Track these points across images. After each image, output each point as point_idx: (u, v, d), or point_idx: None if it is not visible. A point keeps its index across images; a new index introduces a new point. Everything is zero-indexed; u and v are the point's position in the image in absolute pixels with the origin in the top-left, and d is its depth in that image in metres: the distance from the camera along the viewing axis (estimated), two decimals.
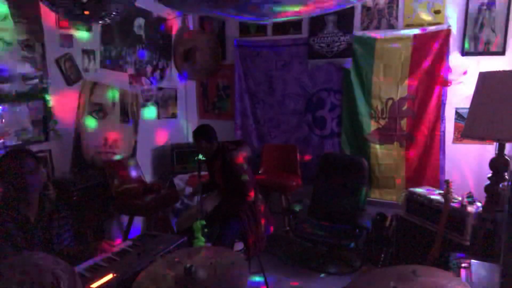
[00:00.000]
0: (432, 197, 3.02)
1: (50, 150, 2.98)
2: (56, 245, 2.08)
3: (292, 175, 4.13)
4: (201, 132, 3.08)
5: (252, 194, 2.97)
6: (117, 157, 3.63)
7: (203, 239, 2.64)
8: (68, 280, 1.01)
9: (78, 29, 3.17)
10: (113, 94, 3.59)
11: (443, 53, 3.56)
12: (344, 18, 3.92)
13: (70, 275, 1.03)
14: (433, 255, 2.72)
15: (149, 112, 4.12)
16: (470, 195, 2.89)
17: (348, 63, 3.94)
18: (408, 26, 3.69)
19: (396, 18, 3.74)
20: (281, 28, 4.26)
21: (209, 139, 3.06)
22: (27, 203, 1.99)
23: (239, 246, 3.27)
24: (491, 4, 3.39)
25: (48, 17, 2.89)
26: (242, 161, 3.04)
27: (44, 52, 2.89)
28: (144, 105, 4.01)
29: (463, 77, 3.53)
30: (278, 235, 4.00)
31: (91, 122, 3.37)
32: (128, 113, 3.78)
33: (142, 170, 3.79)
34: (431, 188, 3.29)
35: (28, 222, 1.98)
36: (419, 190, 3.21)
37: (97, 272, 1.83)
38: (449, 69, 3.56)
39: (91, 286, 1.70)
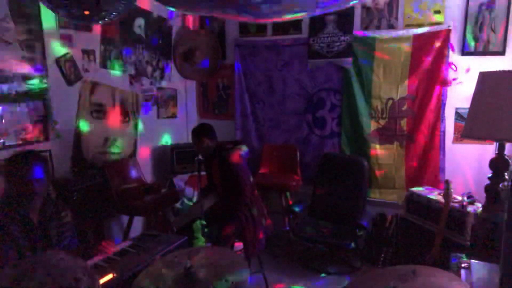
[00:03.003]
0: (432, 197, 3.02)
1: (50, 150, 2.98)
2: (55, 245, 2.08)
3: (292, 175, 4.12)
4: (204, 130, 3.07)
5: (248, 193, 2.97)
6: (117, 157, 3.63)
7: (203, 239, 2.65)
8: (87, 281, 1.01)
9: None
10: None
11: (443, 53, 3.56)
12: (344, 18, 3.92)
13: (89, 275, 1.03)
14: (433, 255, 2.72)
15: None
16: (470, 195, 2.89)
17: (348, 63, 3.94)
18: (408, 26, 3.69)
19: (396, 18, 3.74)
20: (281, 28, 4.26)
21: (212, 137, 3.06)
22: (31, 206, 2.00)
23: (239, 246, 3.27)
24: (491, 4, 3.39)
25: (48, 17, 2.90)
26: (239, 160, 3.04)
27: (44, 52, 2.89)
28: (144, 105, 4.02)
29: (463, 77, 3.53)
30: (278, 235, 4.00)
31: (91, 122, 3.37)
32: (128, 113, 3.78)
33: (142, 170, 3.79)
34: (431, 188, 3.29)
35: (31, 223, 1.98)
36: (419, 190, 3.21)
37: (97, 272, 1.83)
38: (452, 68, 3.55)
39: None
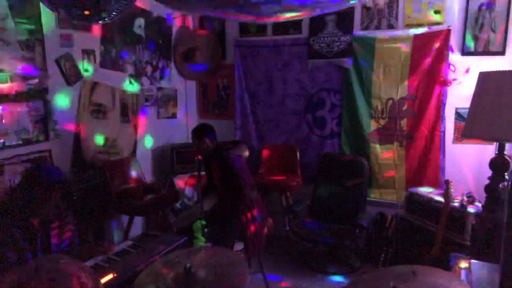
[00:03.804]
0: (432, 197, 3.02)
1: (50, 150, 2.98)
2: (56, 245, 2.08)
3: (292, 175, 4.12)
4: (205, 131, 3.07)
5: (248, 192, 2.97)
6: (116, 157, 3.63)
7: (203, 239, 2.64)
8: (91, 284, 1.01)
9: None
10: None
11: (443, 53, 3.56)
12: (344, 18, 3.92)
13: (94, 280, 1.03)
14: (433, 255, 2.72)
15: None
16: (470, 195, 2.89)
17: (348, 63, 3.94)
18: (408, 26, 3.69)
19: (396, 18, 3.74)
20: (281, 28, 4.25)
21: (213, 137, 3.06)
22: (34, 216, 2.01)
23: (239, 246, 3.27)
24: (491, 4, 3.39)
25: (48, 17, 2.90)
26: (240, 159, 3.04)
27: (44, 52, 2.89)
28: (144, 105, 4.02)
29: (463, 77, 3.54)
30: (278, 235, 4.00)
31: (91, 122, 3.37)
32: (128, 113, 3.78)
33: (142, 170, 3.79)
34: (431, 188, 3.29)
35: (32, 226, 1.99)
36: (419, 190, 3.21)
37: (97, 272, 1.83)
38: (449, 69, 3.56)
39: None
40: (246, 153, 3.17)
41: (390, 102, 3.83)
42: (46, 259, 1.06)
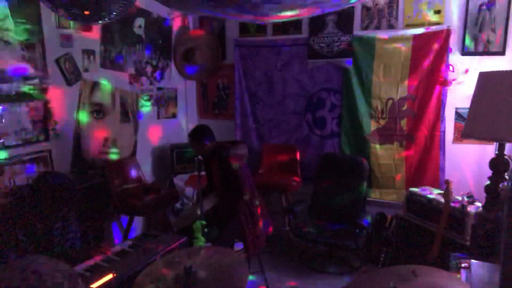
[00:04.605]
0: (432, 197, 3.02)
1: (50, 150, 2.98)
2: (57, 245, 2.08)
3: (292, 175, 4.12)
4: (203, 132, 3.06)
5: (246, 192, 2.97)
6: (116, 157, 3.63)
7: (203, 239, 2.64)
8: (68, 285, 1.01)
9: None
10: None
11: (443, 53, 3.56)
12: (344, 18, 3.92)
13: (72, 279, 1.03)
14: (433, 255, 2.73)
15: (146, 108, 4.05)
16: (470, 195, 2.89)
17: (348, 63, 3.94)
18: (408, 26, 3.69)
19: (396, 18, 3.74)
20: (281, 28, 4.25)
21: (211, 138, 3.05)
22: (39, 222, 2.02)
23: (239, 246, 3.27)
24: (491, 4, 3.39)
25: (48, 17, 2.90)
26: (238, 159, 3.04)
27: (44, 52, 2.89)
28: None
29: (463, 77, 3.53)
30: (278, 235, 4.00)
31: (90, 122, 3.37)
32: (128, 113, 3.78)
33: (142, 170, 3.79)
34: (431, 188, 3.29)
35: (35, 228, 1.99)
36: (419, 190, 3.21)
37: (97, 272, 1.84)
38: (449, 69, 3.56)
39: (91, 286, 1.70)
40: (243, 151, 3.16)
41: (390, 102, 3.83)
42: (19, 259, 1.06)
